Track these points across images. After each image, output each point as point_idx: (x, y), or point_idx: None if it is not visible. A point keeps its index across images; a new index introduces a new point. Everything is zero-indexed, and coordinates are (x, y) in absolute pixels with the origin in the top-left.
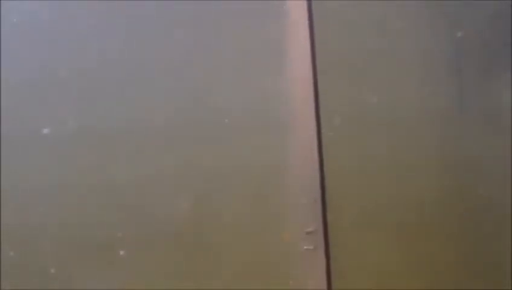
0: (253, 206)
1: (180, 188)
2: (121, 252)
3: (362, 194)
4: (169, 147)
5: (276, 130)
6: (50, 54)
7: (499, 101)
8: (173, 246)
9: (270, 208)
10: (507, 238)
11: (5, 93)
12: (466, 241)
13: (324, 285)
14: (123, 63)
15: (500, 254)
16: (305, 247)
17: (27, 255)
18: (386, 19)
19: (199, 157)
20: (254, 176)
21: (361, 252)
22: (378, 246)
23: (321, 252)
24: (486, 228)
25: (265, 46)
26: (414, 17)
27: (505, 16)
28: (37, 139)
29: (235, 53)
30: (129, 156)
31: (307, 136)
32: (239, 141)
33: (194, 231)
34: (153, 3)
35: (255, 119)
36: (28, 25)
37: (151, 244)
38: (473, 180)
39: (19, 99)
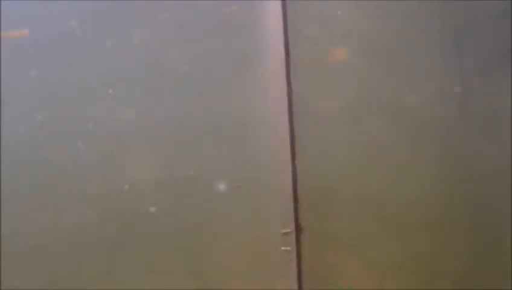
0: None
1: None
2: None
3: (361, 194)
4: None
5: (250, 129)
6: None
7: (499, 101)
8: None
9: (247, 208)
10: (507, 238)
11: None
12: (465, 241)
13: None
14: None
15: (500, 254)
16: (282, 248)
17: None
18: (384, 18)
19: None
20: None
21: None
22: (369, 246)
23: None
24: (486, 227)
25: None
26: (413, 16)
27: (505, 15)
28: None
29: None
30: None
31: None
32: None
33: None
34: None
35: (230, 120)
36: None
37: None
38: (472, 180)
39: None
